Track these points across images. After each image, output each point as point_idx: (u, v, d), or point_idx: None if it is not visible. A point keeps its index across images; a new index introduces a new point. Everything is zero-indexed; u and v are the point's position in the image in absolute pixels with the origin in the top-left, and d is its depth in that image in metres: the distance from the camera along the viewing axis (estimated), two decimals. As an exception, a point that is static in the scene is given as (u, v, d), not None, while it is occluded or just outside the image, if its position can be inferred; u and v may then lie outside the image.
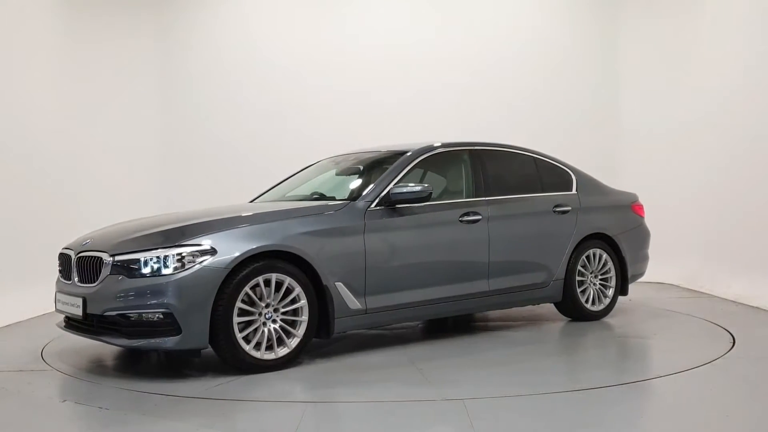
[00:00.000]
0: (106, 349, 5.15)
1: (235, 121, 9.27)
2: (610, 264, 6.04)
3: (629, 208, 6.43)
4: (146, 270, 4.17)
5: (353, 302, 4.67)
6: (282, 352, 4.38)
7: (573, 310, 5.88)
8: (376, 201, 4.89)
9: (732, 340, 5.10)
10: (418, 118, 9.02)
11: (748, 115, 7.28)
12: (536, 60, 9.31)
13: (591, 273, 5.95)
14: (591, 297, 5.92)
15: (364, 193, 4.95)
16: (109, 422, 3.49)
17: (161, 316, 4.10)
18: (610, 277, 6.05)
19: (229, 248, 4.22)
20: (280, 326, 4.38)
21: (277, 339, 4.36)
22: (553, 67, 9.32)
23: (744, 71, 7.40)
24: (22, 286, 6.90)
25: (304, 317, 4.44)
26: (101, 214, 7.27)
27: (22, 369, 4.64)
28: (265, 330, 4.33)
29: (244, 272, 4.22)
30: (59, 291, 4.75)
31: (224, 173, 9.18)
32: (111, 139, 9.07)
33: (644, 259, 6.45)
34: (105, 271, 4.30)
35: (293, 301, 4.42)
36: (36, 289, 6.66)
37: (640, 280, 6.58)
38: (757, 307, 6.51)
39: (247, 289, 4.24)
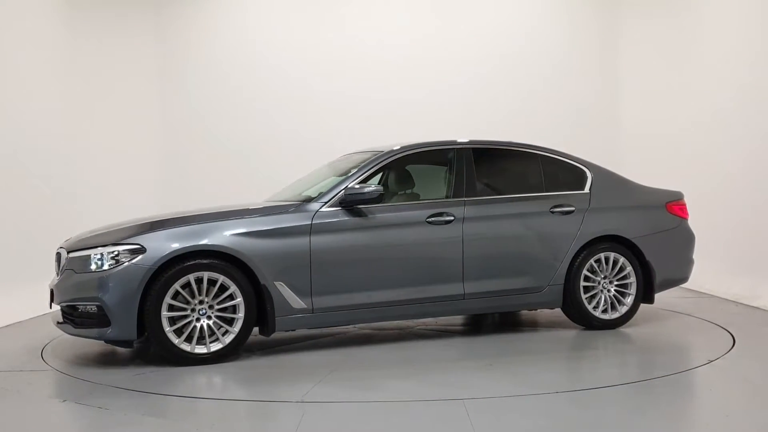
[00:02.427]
0: (106, 349, 5.15)
1: (234, 120, 9.27)
2: (628, 269, 5.56)
3: (662, 208, 5.87)
4: (91, 266, 4.56)
5: (296, 302, 4.76)
6: (215, 347, 4.59)
7: (579, 317, 5.52)
8: (330, 202, 4.96)
9: (732, 340, 5.10)
10: (419, 118, 9.03)
11: (747, 116, 7.29)
12: (536, 60, 9.33)
13: (604, 278, 5.53)
14: (603, 304, 5.50)
15: (321, 194, 5.04)
16: (109, 422, 3.49)
17: (95, 309, 4.50)
18: (630, 283, 5.57)
19: (157, 248, 4.51)
20: (214, 323, 4.59)
21: (211, 335, 4.58)
22: (553, 68, 9.33)
23: (744, 71, 7.40)
24: (22, 286, 6.90)
25: (240, 315, 4.62)
26: (101, 215, 7.26)
27: (22, 369, 4.65)
28: (198, 325, 4.56)
29: (172, 270, 4.49)
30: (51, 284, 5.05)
31: (224, 173, 9.18)
32: (111, 140, 9.08)
33: (684, 263, 5.92)
34: (63, 266, 4.76)
35: (231, 298, 4.62)
36: (36, 289, 6.66)
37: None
38: (757, 307, 6.51)
39: (177, 286, 4.50)
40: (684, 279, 5.99)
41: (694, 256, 6.02)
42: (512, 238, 5.36)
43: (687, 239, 5.95)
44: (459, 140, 5.60)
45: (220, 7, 9.42)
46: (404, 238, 5.07)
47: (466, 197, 5.29)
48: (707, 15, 8.26)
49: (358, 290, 4.94)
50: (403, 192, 5.61)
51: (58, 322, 4.79)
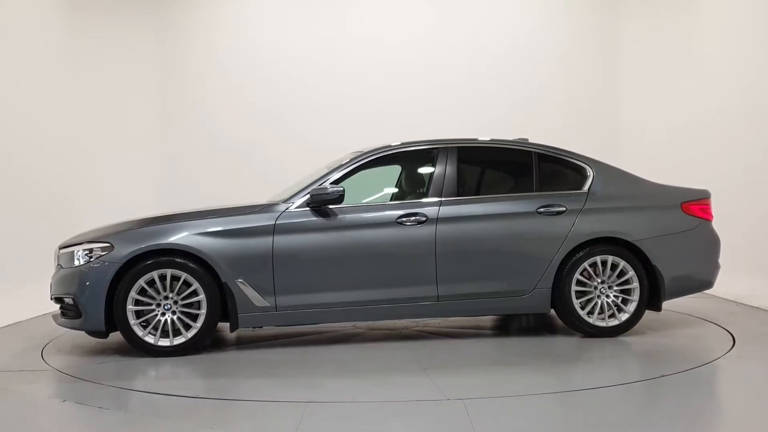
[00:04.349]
0: (106, 349, 5.16)
1: (234, 121, 9.27)
2: (630, 273, 5.22)
3: (677, 208, 5.45)
4: (74, 262, 4.90)
5: (259, 300, 4.88)
6: (178, 340, 4.82)
7: (574, 324, 5.25)
8: (298, 203, 5.04)
9: (732, 340, 5.10)
10: (419, 118, 9.03)
11: (748, 115, 7.29)
12: (536, 60, 9.33)
13: (602, 283, 5.23)
14: (600, 310, 5.21)
15: (291, 195, 5.13)
16: (109, 422, 3.49)
17: (71, 302, 4.84)
18: (633, 288, 5.24)
19: (124, 246, 4.80)
20: (178, 318, 4.82)
21: (175, 329, 4.82)
22: (553, 68, 9.33)
23: (745, 70, 7.40)
24: (22, 286, 6.91)
25: (203, 310, 4.82)
26: (101, 216, 7.27)
27: (22, 369, 4.65)
28: (162, 319, 4.81)
29: (137, 267, 4.76)
30: None
31: (225, 173, 9.18)
32: (111, 141, 9.09)
33: (704, 268, 5.49)
34: (56, 261, 5.12)
35: (196, 295, 4.83)
36: (36, 289, 6.67)
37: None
38: (757, 307, 6.51)
39: (141, 282, 4.77)
40: (705, 284, 5.57)
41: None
42: (491, 239, 5.16)
43: (708, 242, 5.49)
44: (445, 139, 5.52)
45: (221, 8, 9.42)
46: (373, 239, 5.04)
47: (443, 197, 5.19)
48: (707, 14, 8.27)
49: (323, 290, 4.97)
50: (414, 192, 5.60)
51: (54, 314, 5.18)
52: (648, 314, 5.82)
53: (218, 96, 9.31)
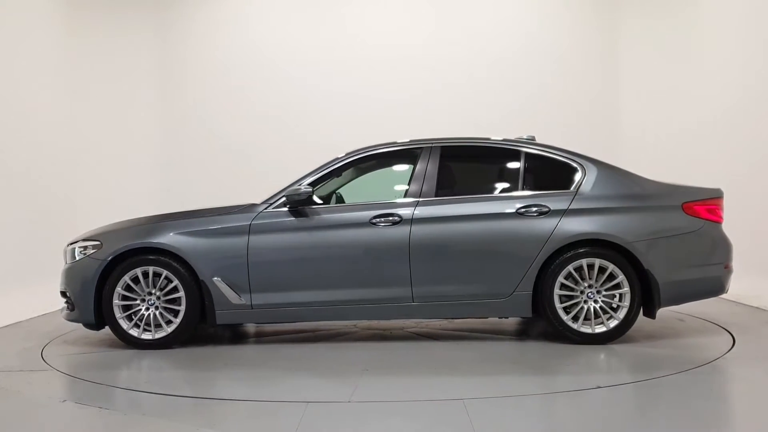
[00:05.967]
0: (105, 349, 5.16)
1: (234, 121, 9.28)
2: (620, 277, 4.95)
3: (677, 208, 5.11)
4: (72, 258, 5.22)
5: (235, 297, 5.02)
6: (159, 334, 5.06)
7: (557, 330, 5.03)
8: (275, 203, 5.17)
9: (732, 340, 5.10)
10: (419, 118, 9.03)
11: (748, 115, 7.29)
12: (537, 60, 9.33)
13: (590, 287, 4.98)
14: (586, 316, 4.97)
15: (270, 196, 5.24)
16: (109, 422, 3.49)
17: (69, 295, 5.15)
18: (622, 293, 4.97)
19: (110, 244, 5.08)
20: (160, 313, 5.04)
21: (157, 323, 5.05)
22: (553, 68, 9.34)
23: (743, 71, 7.40)
24: (22, 286, 6.91)
25: (182, 306, 5.03)
26: (100, 216, 7.28)
27: (22, 369, 4.65)
28: (146, 314, 5.05)
29: (123, 264, 5.02)
30: None
31: (226, 174, 9.19)
32: (112, 141, 9.09)
33: (709, 272, 5.12)
34: (64, 257, 5.36)
35: (177, 291, 5.03)
36: (36, 289, 6.67)
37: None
38: (757, 307, 6.51)
39: (126, 278, 5.02)
40: (713, 290, 5.20)
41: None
42: (467, 240, 5.02)
43: (713, 244, 5.12)
44: (430, 138, 5.45)
45: (221, 8, 9.42)
46: (345, 239, 5.05)
47: (421, 197, 5.13)
48: (707, 14, 8.27)
49: (297, 289, 5.04)
50: (397, 192, 5.57)
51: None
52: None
53: (218, 96, 9.32)
